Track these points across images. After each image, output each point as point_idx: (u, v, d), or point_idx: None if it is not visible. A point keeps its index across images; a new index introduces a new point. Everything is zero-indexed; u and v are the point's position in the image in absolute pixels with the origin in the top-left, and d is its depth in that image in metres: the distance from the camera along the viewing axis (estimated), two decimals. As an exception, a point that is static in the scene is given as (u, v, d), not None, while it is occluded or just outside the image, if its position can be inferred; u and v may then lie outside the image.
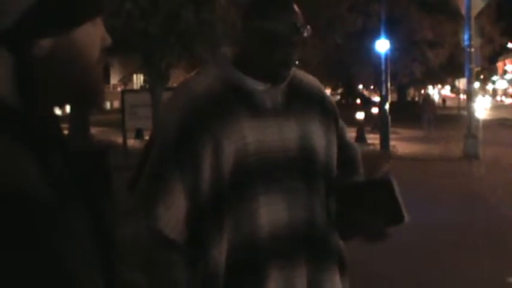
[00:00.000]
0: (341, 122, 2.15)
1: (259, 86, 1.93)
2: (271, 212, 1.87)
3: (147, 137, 20.57)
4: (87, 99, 0.99)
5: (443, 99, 67.30)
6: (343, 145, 2.12)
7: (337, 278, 2.02)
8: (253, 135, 1.87)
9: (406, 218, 1.99)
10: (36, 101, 0.91)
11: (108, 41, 0.99)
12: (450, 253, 6.63)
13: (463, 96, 38.25)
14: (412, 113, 28.34)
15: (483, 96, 77.99)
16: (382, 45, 19.64)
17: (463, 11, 17.73)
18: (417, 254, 6.65)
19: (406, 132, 25.78)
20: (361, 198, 2.03)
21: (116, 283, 0.99)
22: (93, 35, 0.95)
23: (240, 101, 1.91)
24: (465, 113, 18.66)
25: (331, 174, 2.03)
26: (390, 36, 19.95)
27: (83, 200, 0.94)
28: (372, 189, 2.05)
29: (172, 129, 1.88)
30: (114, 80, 48.69)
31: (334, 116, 2.11)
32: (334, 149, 2.06)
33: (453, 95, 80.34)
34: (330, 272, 1.99)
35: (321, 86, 2.16)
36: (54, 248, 0.81)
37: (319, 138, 2.00)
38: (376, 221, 2.02)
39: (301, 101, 2.01)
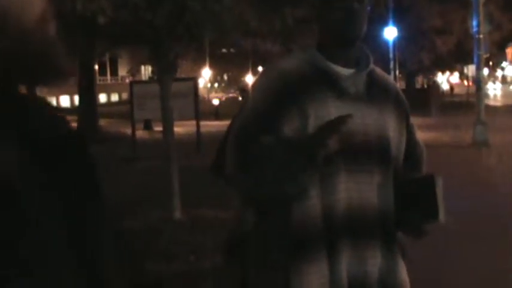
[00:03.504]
0: (411, 120, 2.21)
1: (343, 72, 2.01)
2: (349, 190, 1.94)
3: (155, 128, 20.53)
4: (46, 63, 0.91)
5: (451, 87, 66.74)
6: (411, 143, 2.17)
7: (403, 265, 2.10)
8: (337, 115, 1.91)
9: (442, 216, 1.97)
10: None
11: None
12: (459, 240, 6.61)
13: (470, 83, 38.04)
14: (421, 100, 28.18)
15: (493, 83, 77.44)
16: (390, 33, 19.56)
17: (471, -2, 17.61)
18: (426, 241, 6.63)
19: (415, 120, 25.40)
20: (402, 194, 2.05)
21: (96, 282, 0.91)
22: None
23: (325, 82, 1.98)
24: (474, 99, 18.57)
25: (398, 168, 2.08)
26: (398, 23, 19.86)
27: (59, 191, 0.88)
28: (414, 186, 2.07)
29: (261, 102, 1.96)
30: (122, 71, 48.81)
31: (406, 112, 2.17)
32: (403, 144, 2.12)
33: (460, 81, 79.90)
34: (398, 258, 2.07)
35: (396, 83, 2.25)
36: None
37: (393, 131, 2.07)
38: (413, 217, 2.06)
39: (380, 92, 2.08)
